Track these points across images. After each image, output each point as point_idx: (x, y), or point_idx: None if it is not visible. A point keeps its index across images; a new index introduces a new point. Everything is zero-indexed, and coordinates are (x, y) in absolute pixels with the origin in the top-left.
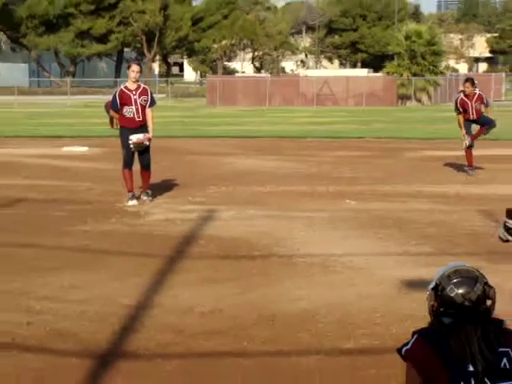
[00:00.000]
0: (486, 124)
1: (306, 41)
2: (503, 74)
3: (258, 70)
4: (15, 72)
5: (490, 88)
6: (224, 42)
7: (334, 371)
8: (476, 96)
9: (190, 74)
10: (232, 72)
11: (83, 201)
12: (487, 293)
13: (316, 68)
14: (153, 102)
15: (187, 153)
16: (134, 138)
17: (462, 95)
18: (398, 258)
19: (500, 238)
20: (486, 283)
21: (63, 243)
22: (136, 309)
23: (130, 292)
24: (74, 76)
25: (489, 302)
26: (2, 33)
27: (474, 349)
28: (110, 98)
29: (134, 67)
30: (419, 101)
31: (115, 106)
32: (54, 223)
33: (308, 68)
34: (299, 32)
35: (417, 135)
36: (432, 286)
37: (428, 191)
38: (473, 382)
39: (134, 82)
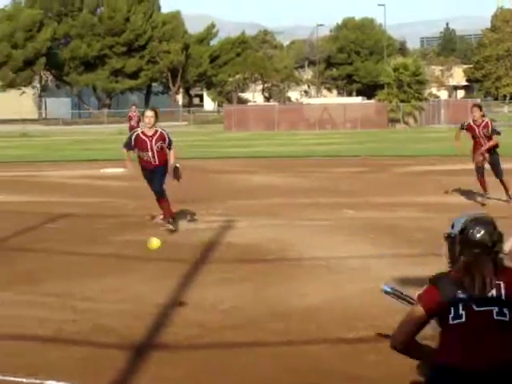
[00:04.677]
0: (497, 174)
1: (308, 74)
2: (478, 100)
3: (267, 99)
4: (59, 106)
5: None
6: (238, 76)
7: (338, 357)
8: (483, 123)
9: (209, 104)
10: (245, 101)
11: (120, 215)
12: (501, 236)
13: (317, 97)
14: (170, 144)
15: (208, 172)
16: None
17: (470, 121)
18: (392, 259)
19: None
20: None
21: (102, 251)
22: (166, 307)
23: (161, 292)
24: (109, 108)
25: (500, 244)
26: (49, 72)
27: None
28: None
29: (148, 113)
30: (407, 123)
31: (129, 147)
32: (96, 234)
33: (310, 97)
34: (302, 66)
35: (405, 153)
36: (457, 229)
37: (414, 201)
38: (460, 306)
39: (149, 127)
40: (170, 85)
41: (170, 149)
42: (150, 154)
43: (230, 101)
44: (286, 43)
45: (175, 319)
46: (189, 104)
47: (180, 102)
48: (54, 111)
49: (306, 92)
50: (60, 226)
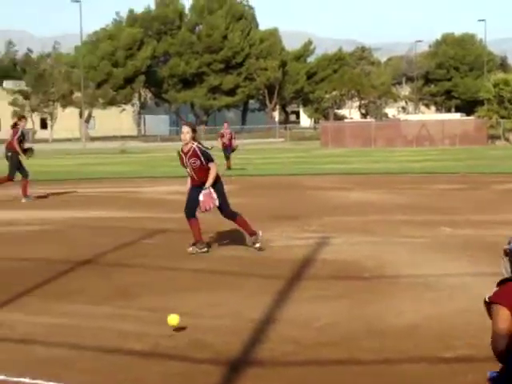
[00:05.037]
0: None
1: (405, 90)
2: None
3: (364, 115)
4: (158, 122)
5: None
6: (334, 93)
7: (436, 377)
8: None
9: (305, 120)
10: (341, 118)
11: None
12: None
13: (415, 113)
14: (208, 159)
15: (304, 188)
16: (201, 203)
17: None
18: (491, 277)
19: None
20: None
21: (199, 266)
22: (262, 323)
23: (257, 308)
24: (206, 124)
25: None
26: (148, 90)
27: None
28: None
29: (184, 129)
30: (507, 140)
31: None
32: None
33: (408, 113)
34: (400, 82)
35: (505, 170)
36: None
37: None
38: None
39: (185, 144)
40: (267, 101)
41: (211, 164)
42: (189, 170)
43: (326, 117)
44: (383, 59)
45: (271, 335)
46: (285, 121)
47: (276, 119)
48: (153, 128)
49: (403, 108)
50: (156, 242)
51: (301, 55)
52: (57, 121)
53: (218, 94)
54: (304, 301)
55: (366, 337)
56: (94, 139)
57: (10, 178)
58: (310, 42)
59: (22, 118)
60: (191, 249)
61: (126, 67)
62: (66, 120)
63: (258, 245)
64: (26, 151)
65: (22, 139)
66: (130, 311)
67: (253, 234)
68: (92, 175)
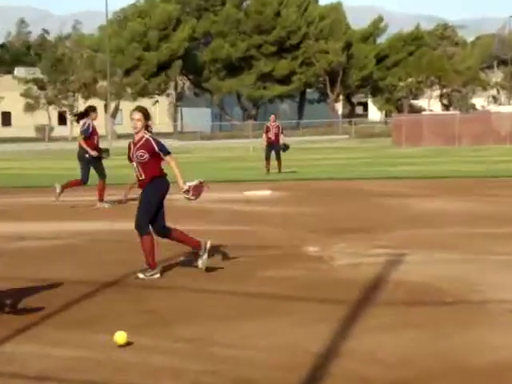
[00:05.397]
0: None
1: (497, 75)
2: None
3: (446, 107)
4: (198, 117)
5: None
6: (410, 80)
7: None
8: None
9: (374, 113)
10: (418, 110)
11: (266, 246)
12: None
13: (509, 104)
14: (163, 150)
15: (371, 195)
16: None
17: None
18: None
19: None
20: None
21: (243, 289)
22: (320, 357)
23: (314, 339)
24: (255, 119)
25: None
26: (186, 77)
27: None
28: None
29: (134, 115)
30: None
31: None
32: (236, 269)
33: (500, 104)
34: (490, 66)
35: None
36: None
37: None
38: None
39: (136, 132)
40: (328, 91)
41: (167, 156)
42: (135, 165)
43: (400, 110)
44: (469, 39)
45: (333, 371)
46: (350, 114)
47: (340, 112)
48: (192, 123)
49: (494, 98)
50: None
51: (369, 35)
52: None
53: (270, 82)
54: (372, 330)
55: (446, 376)
56: (121, 137)
57: (82, 182)
58: (380, 19)
59: (91, 109)
60: (141, 275)
61: (159, 51)
62: None
63: (201, 262)
64: (99, 151)
65: (89, 136)
66: (163, 342)
67: (197, 246)
68: (119, 180)
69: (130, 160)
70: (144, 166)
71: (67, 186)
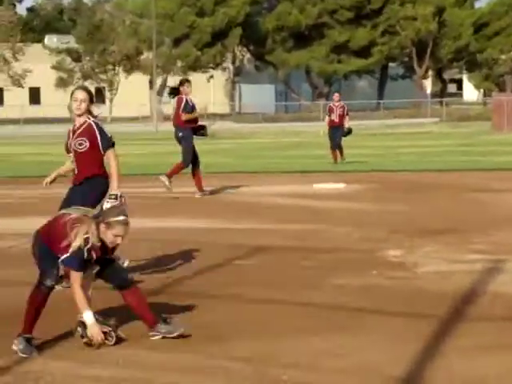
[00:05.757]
0: None
1: None
2: None
3: None
4: (260, 95)
5: None
6: None
7: None
8: None
9: (470, 92)
10: None
11: (338, 249)
12: None
13: None
14: (105, 142)
15: (465, 189)
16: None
17: None
18: None
19: None
20: None
21: (312, 299)
22: (404, 382)
23: (397, 360)
24: (327, 98)
25: None
26: (246, 48)
27: None
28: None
29: (77, 94)
30: None
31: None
32: (302, 275)
33: None
34: None
35: None
36: None
37: None
38: None
39: (78, 115)
40: (415, 65)
41: (105, 151)
42: (72, 156)
43: (502, 88)
44: None
45: None
46: (441, 93)
47: (429, 91)
48: (253, 102)
49: None
50: (255, 263)
51: None
52: (118, 92)
53: (345, 54)
54: (463, 352)
55: None
56: (168, 118)
57: (183, 165)
58: None
59: (185, 81)
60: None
61: (215, 16)
62: (131, 91)
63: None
64: (197, 129)
65: (190, 111)
66: (216, 361)
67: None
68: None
69: (68, 150)
70: (81, 157)
71: (172, 172)
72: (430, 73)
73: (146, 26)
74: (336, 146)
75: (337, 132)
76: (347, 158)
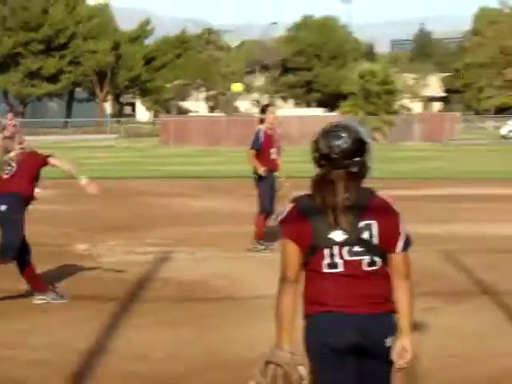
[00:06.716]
0: None
1: (260, 80)
2: (457, 114)
3: (212, 109)
4: None
5: (443, 127)
6: (177, 82)
7: None
8: None
9: (142, 113)
10: (186, 112)
11: (35, 244)
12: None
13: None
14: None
15: (140, 194)
16: None
17: None
18: None
19: None
20: (361, 139)
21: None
22: (89, 354)
23: (85, 337)
24: (23, 116)
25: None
26: None
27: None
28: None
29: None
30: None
31: None
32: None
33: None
34: (253, 71)
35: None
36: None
37: None
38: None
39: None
40: (97, 90)
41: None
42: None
43: (168, 111)
44: (235, 44)
45: (99, 369)
46: (119, 113)
47: (108, 112)
48: None
49: (257, 102)
50: None
51: (137, 36)
52: None
53: (38, 80)
54: (141, 328)
55: (213, 369)
56: None
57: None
58: (147, 21)
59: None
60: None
61: None
62: None
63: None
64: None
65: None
66: None
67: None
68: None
69: None
70: None
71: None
72: (110, 97)
73: None
74: None
75: None
76: None
